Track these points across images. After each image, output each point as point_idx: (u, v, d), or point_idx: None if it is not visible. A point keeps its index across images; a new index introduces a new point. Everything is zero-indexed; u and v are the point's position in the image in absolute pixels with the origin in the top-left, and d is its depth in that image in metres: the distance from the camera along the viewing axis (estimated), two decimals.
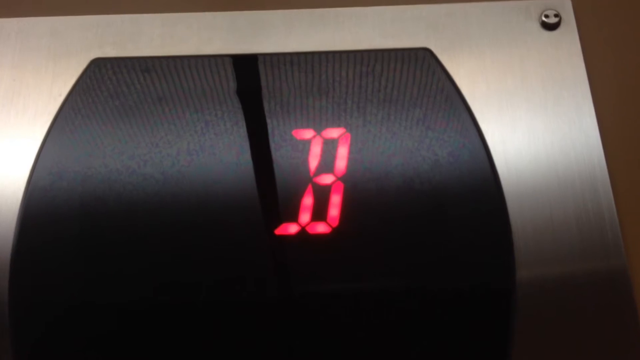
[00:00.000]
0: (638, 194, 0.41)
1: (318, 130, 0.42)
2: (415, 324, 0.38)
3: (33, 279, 0.38)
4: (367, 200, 0.40)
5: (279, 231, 0.40)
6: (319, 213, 0.40)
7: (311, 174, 0.41)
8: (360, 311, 0.38)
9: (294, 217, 0.40)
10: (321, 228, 0.40)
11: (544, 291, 0.38)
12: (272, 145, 0.42)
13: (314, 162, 0.41)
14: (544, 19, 0.45)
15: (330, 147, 0.42)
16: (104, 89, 0.43)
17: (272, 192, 0.41)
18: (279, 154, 0.41)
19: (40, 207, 0.39)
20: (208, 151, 0.41)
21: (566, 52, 0.44)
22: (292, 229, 0.40)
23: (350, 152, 0.42)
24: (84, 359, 0.37)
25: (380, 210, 0.40)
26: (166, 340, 0.37)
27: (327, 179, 0.41)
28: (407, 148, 0.41)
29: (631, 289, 0.38)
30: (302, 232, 0.40)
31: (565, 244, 0.39)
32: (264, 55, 0.44)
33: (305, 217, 0.40)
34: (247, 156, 0.41)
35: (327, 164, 0.41)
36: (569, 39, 0.45)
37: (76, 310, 0.38)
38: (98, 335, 0.37)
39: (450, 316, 0.38)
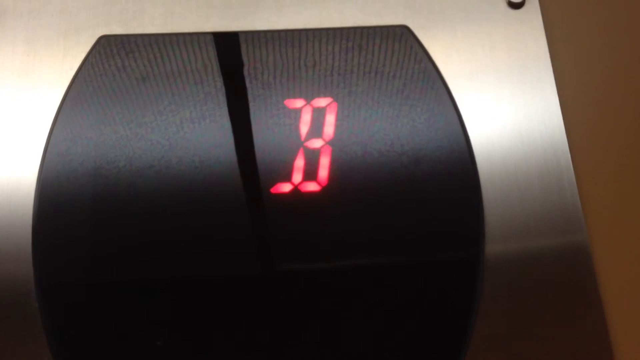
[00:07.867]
0: (592, 152, 0.45)
1: (308, 100, 0.45)
2: (390, 278, 0.41)
3: (54, 236, 0.41)
4: (352, 162, 0.44)
5: (274, 190, 0.43)
6: (310, 174, 0.43)
7: (302, 139, 0.44)
8: (344, 259, 0.42)
9: (287, 178, 0.43)
10: (312, 187, 0.43)
11: (510, 249, 0.42)
12: (267, 114, 0.45)
13: (304, 128, 0.45)
14: None
15: (319, 114, 0.45)
16: (112, 63, 0.46)
17: (267, 155, 0.44)
18: (273, 122, 0.45)
19: (57, 169, 0.42)
20: (208, 119, 0.44)
21: (530, 28, 0.48)
22: (286, 187, 0.43)
23: (338, 119, 0.45)
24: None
25: (365, 171, 0.43)
26: (183, 292, 0.41)
27: (316, 143, 0.44)
28: (388, 115, 0.45)
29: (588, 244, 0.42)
30: (295, 190, 0.43)
31: (528, 198, 0.43)
32: (258, 32, 0.47)
33: (297, 177, 0.43)
34: (244, 124, 0.45)
35: (316, 130, 0.44)
36: (532, 17, 0.48)
37: (86, 265, 0.41)
38: (111, 291, 0.41)
39: (426, 269, 0.42)
